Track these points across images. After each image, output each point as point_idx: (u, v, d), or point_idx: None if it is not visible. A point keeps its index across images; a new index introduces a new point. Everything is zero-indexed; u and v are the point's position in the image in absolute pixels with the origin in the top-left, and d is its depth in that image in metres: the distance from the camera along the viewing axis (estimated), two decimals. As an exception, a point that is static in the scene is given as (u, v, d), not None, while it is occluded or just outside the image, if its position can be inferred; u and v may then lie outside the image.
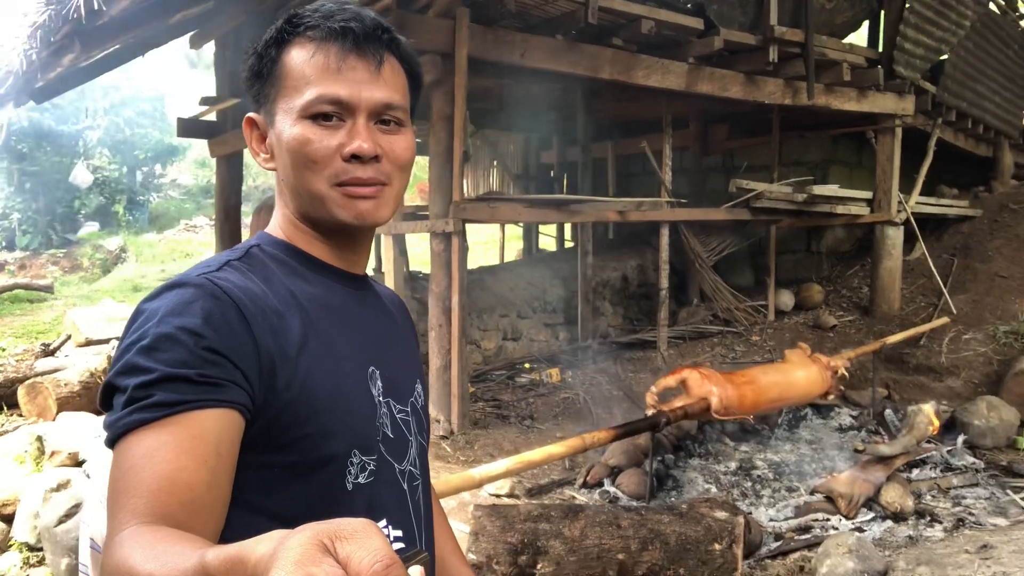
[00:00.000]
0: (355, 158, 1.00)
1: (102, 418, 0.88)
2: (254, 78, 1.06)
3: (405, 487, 1.09)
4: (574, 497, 4.21)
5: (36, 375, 6.21)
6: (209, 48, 7.22)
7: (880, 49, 6.79)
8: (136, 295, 13.31)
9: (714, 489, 4.33)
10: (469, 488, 3.30)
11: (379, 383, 1.06)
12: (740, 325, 6.94)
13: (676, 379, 4.05)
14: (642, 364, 6.31)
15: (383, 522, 1.04)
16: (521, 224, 9.23)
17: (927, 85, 6.90)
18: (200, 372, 0.83)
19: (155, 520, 0.75)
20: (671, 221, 6.21)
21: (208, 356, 0.85)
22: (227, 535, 0.82)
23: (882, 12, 6.89)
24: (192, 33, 6.87)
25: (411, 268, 6.73)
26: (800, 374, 4.61)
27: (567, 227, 9.43)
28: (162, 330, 0.86)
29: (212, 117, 7.19)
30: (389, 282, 5.02)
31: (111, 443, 0.83)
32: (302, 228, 1.07)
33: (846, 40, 6.86)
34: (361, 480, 1.00)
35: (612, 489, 4.23)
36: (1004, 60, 8.14)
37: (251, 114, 1.09)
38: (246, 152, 9.51)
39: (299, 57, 1.01)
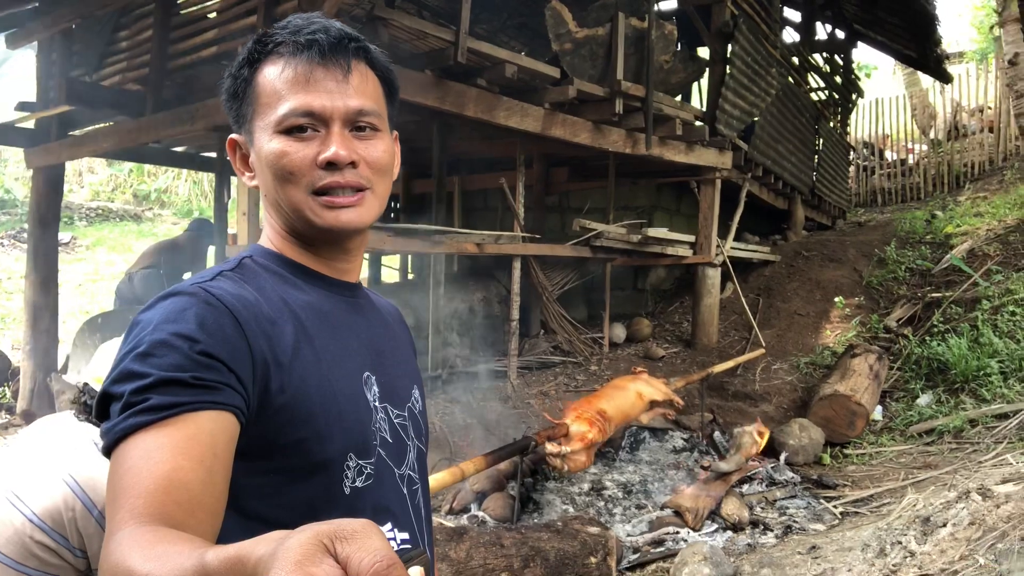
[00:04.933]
0: (331, 165, 1.03)
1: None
2: (231, 99, 1.09)
3: (405, 491, 1.12)
4: (442, 523, 4.25)
5: None
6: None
7: (704, 109, 7.58)
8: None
9: (571, 509, 4.55)
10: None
11: (375, 388, 1.09)
12: (580, 355, 7.32)
13: (564, 426, 4.20)
14: (492, 393, 6.47)
15: (388, 525, 1.06)
16: (366, 255, 9.17)
17: (741, 143, 7.77)
18: (195, 375, 0.85)
19: (153, 520, 0.75)
20: (523, 255, 6.48)
21: (203, 360, 0.87)
22: (226, 542, 0.85)
23: (706, 77, 7.69)
24: (10, 32, 6.28)
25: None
26: (632, 389, 4.95)
27: (409, 260, 9.49)
28: (157, 336, 0.87)
29: (30, 124, 6.56)
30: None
31: (108, 449, 0.83)
32: (290, 240, 1.10)
33: (677, 98, 7.59)
34: (359, 484, 1.02)
35: (480, 513, 4.32)
36: (799, 126, 9.34)
37: (233, 135, 1.11)
38: (68, 164, 8.67)
39: (271, 74, 1.04)
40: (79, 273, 14.37)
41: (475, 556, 3.20)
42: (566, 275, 7.63)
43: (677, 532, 4.19)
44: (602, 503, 4.70)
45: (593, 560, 3.35)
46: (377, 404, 1.08)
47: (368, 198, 1.07)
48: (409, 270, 9.48)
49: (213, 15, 5.41)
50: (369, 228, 1.14)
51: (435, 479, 3.68)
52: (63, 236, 16.25)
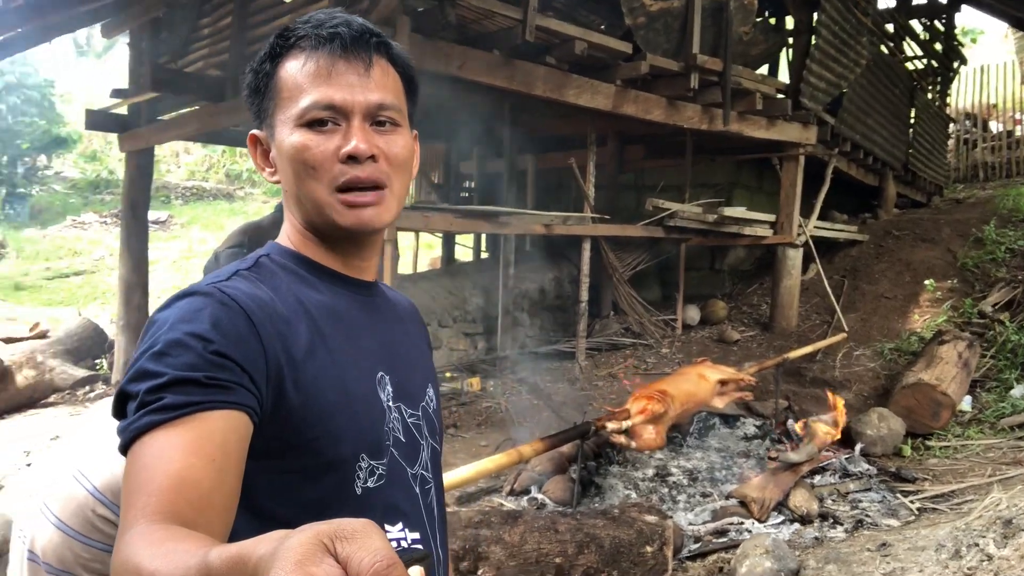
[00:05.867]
0: (351, 159, 1.01)
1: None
2: (253, 94, 1.08)
3: (418, 490, 1.11)
4: (502, 504, 4.29)
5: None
6: (100, 37, 6.95)
7: (787, 81, 7.26)
8: (19, 294, 12.45)
9: (634, 495, 4.50)
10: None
11: (388, 388, 1.08)
12: (651, 337, 7.22)
13: (625, 411, 4.16)
14: (560, 374, 6.46)
15: (399, 525, 1.06)
16: (439, 234, 9.27)
17: (827, 117, 7.42)
18: (208, 375, 0.85)
19: (164, 518, 0.76)
20: (592, 236, 6.40)
21: (216, 360, 0.87)
22: (238, 540, 0.86)
23: (790, 47, 7.35)
24: (105, 21, 6.57)
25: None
26: (693, 372, 4.84)
27: (483, 238, 9.53)
28: (172, 336, 0.88)
29: (123, 110, 6.89)
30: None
31: (125, 447, 0.84)
32: (309, 237, 1.09)
33: (758, 71, 7.30)
34: (371, 484, 1.02)
35: (539, 496, 4.32)
36: (891, 98, 8.85)
37: (254, 131, 1.10)
38: (157, 148, 9.10)
39: (292, 68, 1.03)
40: (175, 250, 15.11)
41: (529, 540, 3.21)
42: (638, 255, 7.50)
43: (741, 523, 4.09)
44: (666, 489, 4.63)
45: (649, 549, 3.31)
46: (391, 404, 1.08)
47: (387, 197, 1.06)
48: (483, 248, 9.52)
49: (289, 0, 5.52)
50: (385, 228, 1.13)
51: (493, 460, 3.71)
52: (160, 215, 17.10)
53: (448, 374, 6.19)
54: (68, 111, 18.37)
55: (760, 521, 4.09)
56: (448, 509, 3.97)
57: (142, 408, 0.83)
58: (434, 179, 9.75)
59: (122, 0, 6.36)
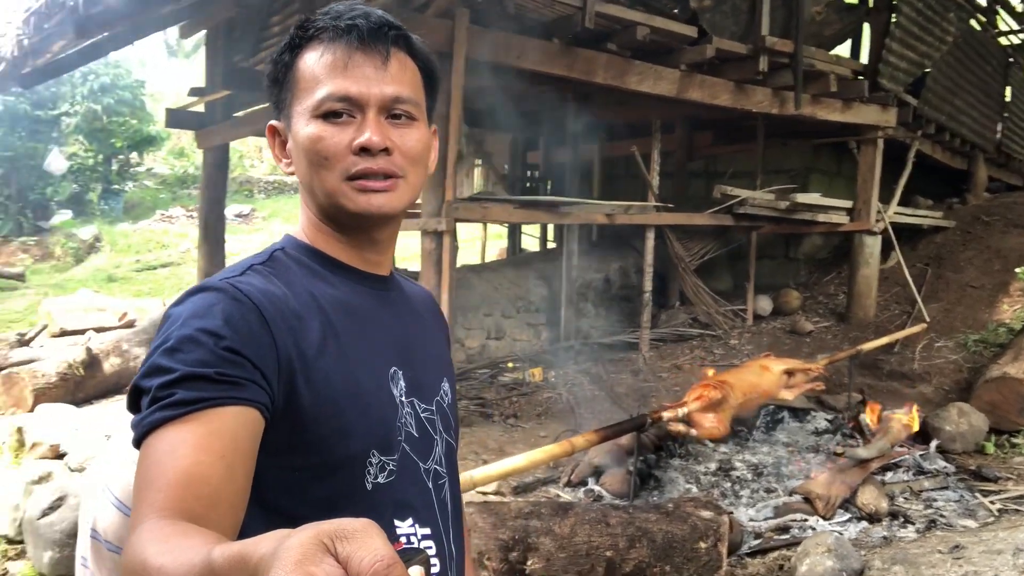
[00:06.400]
0: (364, 151, 1.01)
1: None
2: (272, 85, 1.09)
3: (431, 485, 1.11)
4: (559, 495, 4.28)
5: (10, 365, 6.14)
6: (194, 37, 7.21)
7: (865, 61, 6.94)
8: (111, 285, 13.14)
9: (695, 489, 4.42)
10: (466, 490, 3.36)
11: (402, 383, 1.08)
12: (719, 329, 7.05)
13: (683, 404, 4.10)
14: (623, 365, 6.39)
15: (409, 521, 1.06)
16: (505, 224, 9.29)
17: (909, 98, 7.06)
18: (219, 371, 0.86)
19: (173, 514, 0.77)
20: (656, 225, 6.29)
21: (228, 356, 0.87)
22: (249, 535, 0.86)
23: (868, 25, 7.03)
24: (183, 23, 6.83)
25: (397, 266, 6.75)
26: (755, 364, 4.71)
27: (550, 228, 9.50)
28: (184, 332, 0.89)
29: (200, 108, 7.15)
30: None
31: (138, 442, 0.85)
32: (324, 230, 1.09)
33: (833, 52, 7.01)
34: (381, 480, 1.01)
35: (596, 488, 4.30)
36: (982, 75, 8.35)
37: (272, 122, 1.11)
38: (242, 144, 9.40)
39: (310, 59, 1.03)
40: (256, 243, 15.64)
41: (579, 533, 3.19)
42: (707, 244, 7.32)
43: (805, 520, 3.96)
44: (728, 484, 4.52)
45: (703, 545, 3.25)
46: (403, 399, 1.08)
47: (400, 185, 1.06)
48: (550, 238, 9.49)
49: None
50: (400, 218, 1.12)
51: (545, 450, 3.70)
52: (244, 208, 17.75)
53: (510, 364, 6.21)
54: (158, 110, 19.26)
55: (825, 519, 3.96)
56: (499, 499, 4.00)
57: (154, 403, 0.85)
58: (501, 169, 9.77)
59: (198, 2, 6.61)
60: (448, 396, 1.21)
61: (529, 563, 3.15)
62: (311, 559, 0.53)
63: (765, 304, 7.48)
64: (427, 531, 1.08)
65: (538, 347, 6.70)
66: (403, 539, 1.06)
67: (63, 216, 17.24)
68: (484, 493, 4.06)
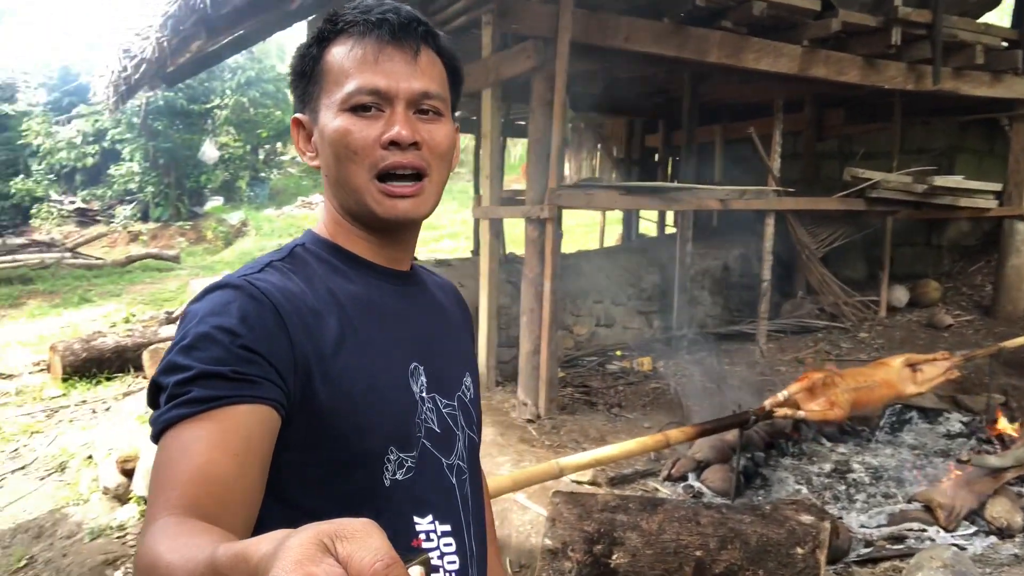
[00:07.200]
0: (393, 145, 1.00)
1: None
2: (299, 78, 1.09)
3: (453, 481, 1.10)
4: (657, 489, 4.19)
5: (159, 340, 6.70)
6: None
7: (1020, 29, 6.27)
8: (255, 267, 14.04)
9: (805, 490, 4.20)
10: (553, 478, 3.36)
11: (422, 379, 1.07)
12: (848, 321, 6.64)
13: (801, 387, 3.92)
14: (739, 356, 6.15)
15: (429, 517, 1.05)
16: (621, 211, 9.13)
17: (1071, 69, 6.32)
18: (235, 369, 0.86)
19: (186, 512, 0.77)
20: (777, 210, 5.99)
21: (243, 354, 0.88)
22: (269, 530, 0.88)
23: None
24: (311, 18, 7.13)
25: (507, 251, 6.79)
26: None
27: (668, 213, 9.26)
28: (201, 330, 0.90)
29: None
30: (484, 265, 5.09)
31: (155, 438, 0.87)
32: (345, 225, 1.09)
33: (981, 20, 6.38)
34: (399, 476, 1.01)
35: (697, 484, 4.17)
36: None
37: (297, 115, 1.11)
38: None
39: (339, 53, 1.03)
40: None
41: (667, 530, 3.11)
42: (836, 230, 6.89)
43: (924, 530, 3.67)
44: (843, 487, 4.26)
45: (800, 551, 3.07)
46: (424, 395, 1.08)
47: (426, 187, 1.06)
48: (668, 223, 9.25)
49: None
50: (421, 220, 1.11)
51: (638, 442, 3.64)
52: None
53: (619, 352, 6.12)
54: (299, 101, 20.30)
55: (946, 530, 3.66)
56: (593, 489, 3.95)
57: (171, 401, 0.86)
58: (616, 154, 9.60)
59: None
60: (471, 391, 1.20)
61: (614, 557, 3.10)
62: (311, 559, 0.53)
63: (901, 295, 6.96)
64: (447, 527, 1.08)
65: (649, 336, 6.56)
66: (422, 536, 1.06)
67: (215, 202, 18.61)
68: (579, 482, 4.03)
